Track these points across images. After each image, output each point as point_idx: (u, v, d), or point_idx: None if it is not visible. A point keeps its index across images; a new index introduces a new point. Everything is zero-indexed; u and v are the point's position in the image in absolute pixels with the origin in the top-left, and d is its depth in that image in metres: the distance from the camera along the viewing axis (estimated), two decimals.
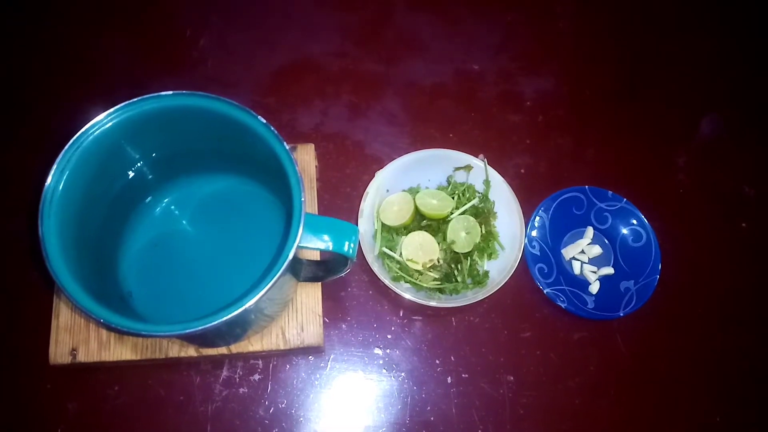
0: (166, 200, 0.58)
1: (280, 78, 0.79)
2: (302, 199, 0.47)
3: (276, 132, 0.50)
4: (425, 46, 0.83)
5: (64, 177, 0.46)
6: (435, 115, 0.78)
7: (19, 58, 0.80)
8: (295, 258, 0.46)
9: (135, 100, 0.49)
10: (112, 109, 0.48)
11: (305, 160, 0.67)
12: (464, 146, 0.73)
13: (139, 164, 0.54)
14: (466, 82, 0.80)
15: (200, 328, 0.43)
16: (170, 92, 0.50)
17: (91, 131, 0.48)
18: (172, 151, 0.55)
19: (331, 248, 0.49)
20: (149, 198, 0.58)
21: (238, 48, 0.80)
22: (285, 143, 0.49)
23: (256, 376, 0.64)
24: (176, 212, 0.58)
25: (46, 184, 0.44)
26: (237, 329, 0.57)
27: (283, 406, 0.63)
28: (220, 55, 0.80)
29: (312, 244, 0.48)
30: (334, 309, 0.67)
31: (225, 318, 0.43)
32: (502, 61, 0.82)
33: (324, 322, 0.65)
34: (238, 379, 0.64)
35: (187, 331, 0.44)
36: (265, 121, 0.50)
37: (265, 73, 0.79)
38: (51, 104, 0.76)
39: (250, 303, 0.43)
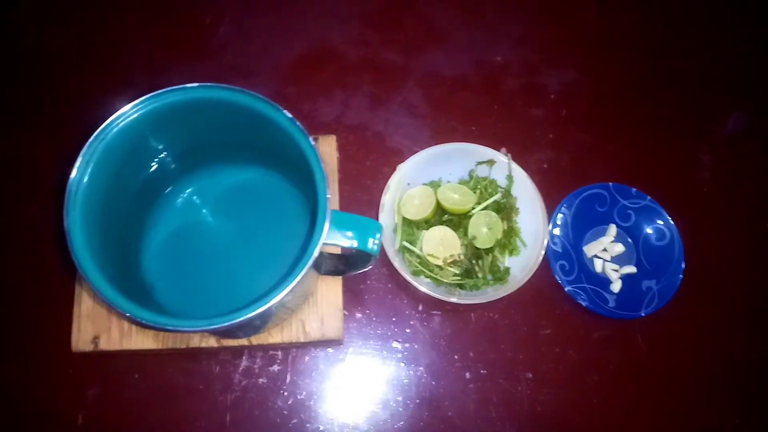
0: (188, 191, 0.58)
1: (300, 67, 0.78)
2: (327, 196, 0.47)
3: (302, 127, 0.49)
4: (446, 35, 0.81)
5: (89, 169, 0.45)
6: (456, 107, 0.77)
7: (34, 43, 0.79)
8: (319, 254, 0.46)
9: (161, 91, 0.48)
10: (137, 101, 0.48)
11: (327, 152, 0.67)
12: (486, 139, 0.72)
13: (162, 155, 0.54)
14: (488, 73, 0.79)
15: (226, 324, 0.43)
16: (196, 84, 0.49)
17: (116, 123, 0.47)
18: (195, 142, 0.54)
19: (355, 246, 0.48)
20: (172, 189, 0.58)
21: (257, 36, 0.80)
22: (311, 138, 0.48)
23: (276, 367, 0.64)
24: (199, 203, 0.58)
25: (71, 176, 0.44)
26: (258, 322, 0.56)
27: (301, 397, 0.63)
28: (239, 43, 0.79)
29: (337, 241, 0.47)
30: (353, 301, 0.67)
31: (250, 315, 0.43)
32: (525, 52, 0.81)
33: (344, 314, 0.65)
34: (257, 370, 0.64)
35: (213, 327, 0.43)
36: (290, 115, 0.49)
37: (285, 62, 0.78)
38: (68, 91, 0.76)
39: (275, 300, 0.43)
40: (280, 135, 0.49)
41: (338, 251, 0.62)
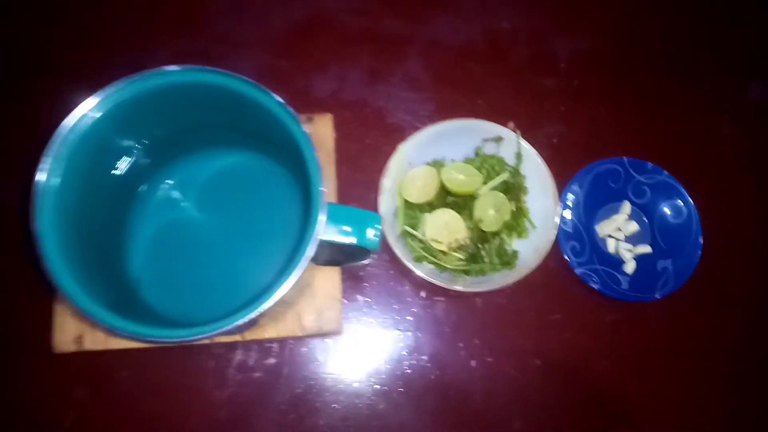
0: (171, 182, 0.54)
1: (293, 38, 0.73)
2: (321, 188, 0.43)
3: (293, 112, 0.45)
4: (451, 0, 0.76)
5: (56, 170, 0.42)
6: (461, 79, 0.72)
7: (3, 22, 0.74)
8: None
9: (134, 78, 0.44)
10: (107, 88, 0.44)
11: (322, 132, 0.63)
12: (492, 113, 0.68)
13: (138, 147, 0.50)
14: (495, 41, 0.74)
15: (212, 333, 0.40)
16: (175, 67, 0.45)
17: (80, 119, 0.43)
18: (176, 128, 0.50)
19: (354, 242, 0.45)
20: (152, 181, 0.54)
21: (247, 4, 0.74)
22: (303, 126, 0.44)
23: (272, 360, 0.61)
24: (183, 193, 0.55)
25: (37, 178, 0.40)
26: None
27: (299, 390, 0.61)
28: (228, 13, 0.74)
29: (333, 237, 0.44)
30: (352, 289, 0.64)
31: (239, 322, 0.40)
32: (535, 17, 0.75)
33: (342, 303, 0.62)
34: (252, 364, 0.61)
35: (197, 336, 0.41)
36: (281, 99, 0.45)
37: (277, 33, 0.73)
38: (44, 69, 0.71)
39: (265, 306, 0.40)
40: (269, 120, 0.45)
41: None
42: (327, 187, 0.60)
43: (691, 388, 0.63)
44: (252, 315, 0.39)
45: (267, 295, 0.41)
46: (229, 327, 0.40)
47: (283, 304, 0.56)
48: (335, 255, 0.56)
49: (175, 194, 0.54)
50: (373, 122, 0.69)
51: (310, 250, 0.41)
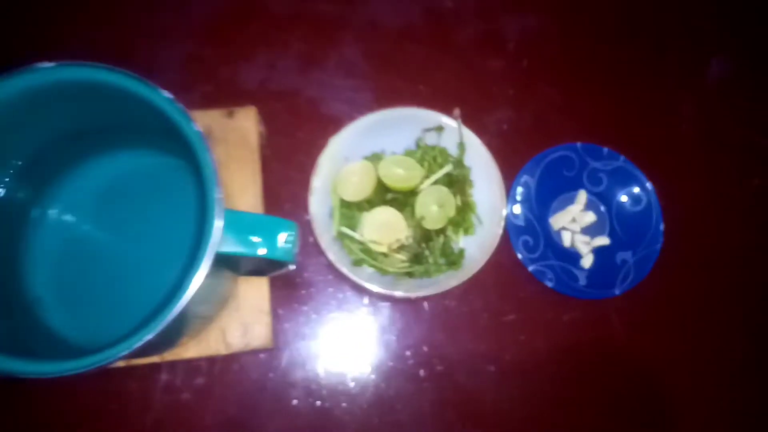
0: (61, 204, 0.48)
1: (218, 24, 0.66)
2: (217, 196, 0.37)
3: (183, 109, 0.39)
4: None
5: None
6: (402, 64, 0.66)
7: None
8: (221, 260, 0.37)
9: None
10: None
11: (245, 127, 0.57)
12: (436, 100, 0.63)
13: (10, 171, 0.44)
14: (438, 22, 0.68)
15: (96, 365, 0.35)
16: (49, 64, 0.38)
17: None
18: (54, 138, 0.44)
19: (263, 254, 0.39)
20: (41, 205, 0.47)
21: None
22: (196, 124, 0.39)
23: (200, 380, 0.56)
24: (78, 213, 0.48)
25: None
26: (163, 339, 0.48)
27: (232, 413, 0.55)
28: (147, 2, 0.67)
29: (234, 249, 0.38)
30: (288, 297, 0.59)
31: (117, 357, 0.34)
32: None
33: (277, 314, 0.57)
34: (179, 384, 0.56)
35: (80, 369, 0.35)
36: (169, 95, 0.39)
37: (200, 19, 0.66)
38: None
39: (146, 337, 0.34)
40: (157, 118, 0.39)
41: None
42: (250, 189, 0.55)
43: (655, 387, 0.59)
44: (125, 351, 0.34)
45: (154, 321, 0.35)
46: (114, 358, 0.35)
47: (203, 320, 0.50)
48: (258, 264, 0.50)
49: (68, 217, 0.47)
50: (307, 114, 0.64)
51: (203, 268, 0.36)
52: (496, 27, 0.68)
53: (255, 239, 0.39)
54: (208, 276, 0.37)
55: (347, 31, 0.67)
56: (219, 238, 0.37)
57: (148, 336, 0.34)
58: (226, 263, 0.42)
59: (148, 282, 0.49)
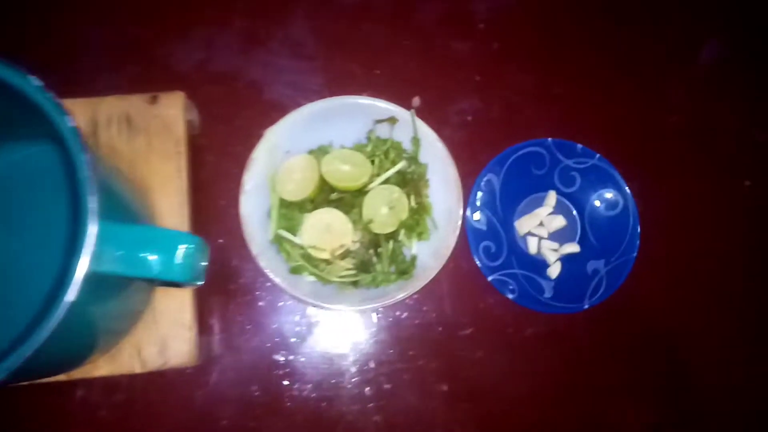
0: None
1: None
2: (91, 205, 0.31)
3: (56, 100, 0.32)
4: None
5: None
6: (356, 44, 0.59)
7: None
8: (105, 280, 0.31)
9: None
10: None
11: (170, 115, 0.50)
12: (394, 86, 0.57)
13: None
14: None
15: None
16: None
17: None
18: None
19: (155, 273, 0.33)
20: None
21: None
22: (69, 117, 0.32)
23: (119, 396, 0.50)
24: None
25: None
26: (64, 358, 0.42)
27: None
28: None
29: (116, 269, 0.32)
30: (221, 307, 0.53)
31: None
32: None
33: (207, 324, 0.51)
34: (96, 399, 0.50)
35: None
36: (39, 82, 0.32)
37: None
38: None
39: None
40: (28, 110, 0.33)
41: None
42: (173, 186, 0.49)
43: (623, 407, 0.54)
44: None
45: (11, 356, 0.29)
46: None
47: (114, 335, 0.44)
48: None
49: None
50: (247, 99, 0.57)
51: (71, 293, 0.30)
52: (464, 4, 0.61)
53: (147, 256, 0.33)
54: (91, 294, 0.31)
55: (296, 5, 0.60)
56: (91, 258, 0.30)
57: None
58: (115, 281, 0.36)
59: (23, 293, 0.43)
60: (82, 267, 0.30)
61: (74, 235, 0.31)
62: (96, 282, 0.31)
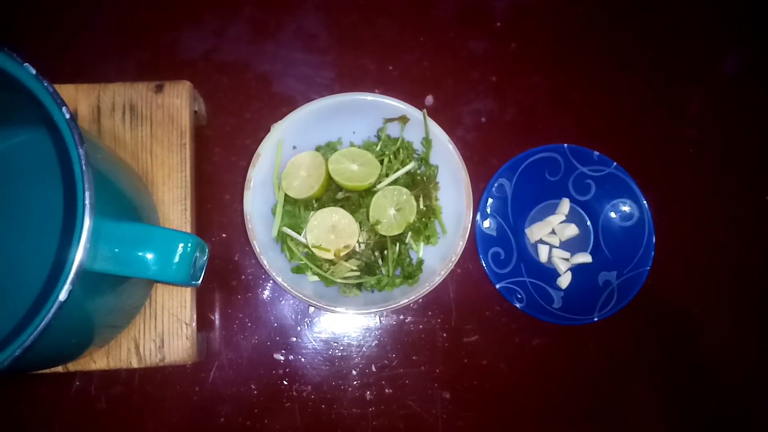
0: None
1: None
2: (86, 202, 0.30)
3: (53, 90, 0.31)
4: None
5: None
6: (369, 39, 0.58)
7: None
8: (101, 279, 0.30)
9: None
10: None
11: (175, 104, 0.49)
12: (407, 83, 0.55)
13: None
14: None
15: None
16: None
17: None
18: None
19: (151, 274, 0.32)
20: None
21: None
22: (65, 108, 0.31)
23: (118, 388, 0.50)
24: None
25: None
26: (62, 351, 0.41)
27: (151, 427, 0.49)
28: None
29: (111, 268, 0.31)
30: (222, 303, 0.52)
31: None
32: None
33: (208, 320, 0.51)
34: (94, 392, 0.50)
35: None
36: (33, 71, 0.31)
37: None
38: None
39: None
40: (25, 99, 0.32)
41: None
42: (176, 178, 0.47)
43: (633, 422, 0.53)
44: None
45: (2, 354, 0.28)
46: None
47: (111, 329, 0.43)
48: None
49: None
50: (257, 91, 0.56)
51: (64, 293, 0.29)
52: (481, 2, 0.59)
53: (142, 255, 0.32)
54: (86, 291, 0.30)
55: None
56: (84, 256, 0.29)
57: None
58: (112, 277, 0.35)
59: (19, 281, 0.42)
60: (75, 266, 0.29)
61: (68, 229, 0.30)
62: (91, 279, 0.30)
